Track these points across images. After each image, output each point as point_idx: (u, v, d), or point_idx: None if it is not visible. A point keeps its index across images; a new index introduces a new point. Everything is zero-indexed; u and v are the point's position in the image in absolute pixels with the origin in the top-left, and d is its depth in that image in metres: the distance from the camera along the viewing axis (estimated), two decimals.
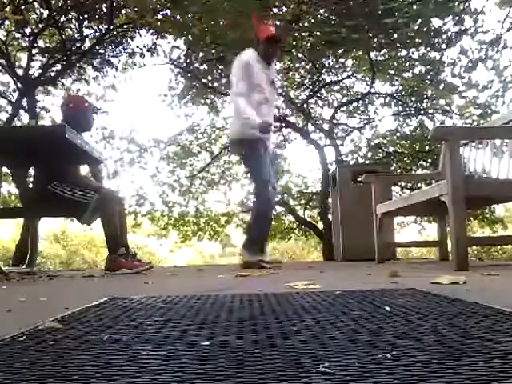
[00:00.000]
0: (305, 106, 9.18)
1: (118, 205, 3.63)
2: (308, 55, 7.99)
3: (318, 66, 8.36)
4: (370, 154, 9.98)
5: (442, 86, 7.88)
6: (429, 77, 7.97)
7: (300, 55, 8.23)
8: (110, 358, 0.68)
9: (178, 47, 8.26)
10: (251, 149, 3.63)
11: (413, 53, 7.72)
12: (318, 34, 6.63)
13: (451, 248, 2.75)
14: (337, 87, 9.75)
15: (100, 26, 7.34)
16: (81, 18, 7.16)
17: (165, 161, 10.74)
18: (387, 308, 1.09)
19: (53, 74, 7.59)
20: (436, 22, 6.69)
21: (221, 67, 8.19)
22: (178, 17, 6.83)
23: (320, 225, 9.44)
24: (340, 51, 7.61)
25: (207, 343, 0.77)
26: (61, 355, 0.71)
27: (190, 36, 6.99)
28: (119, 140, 10.40)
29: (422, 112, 9.21)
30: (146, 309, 1.21)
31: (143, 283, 2.32)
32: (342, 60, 8.67)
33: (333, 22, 6.31)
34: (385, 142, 10.07)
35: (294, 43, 7.25)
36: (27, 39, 7.43)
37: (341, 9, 6.01)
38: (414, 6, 5.65)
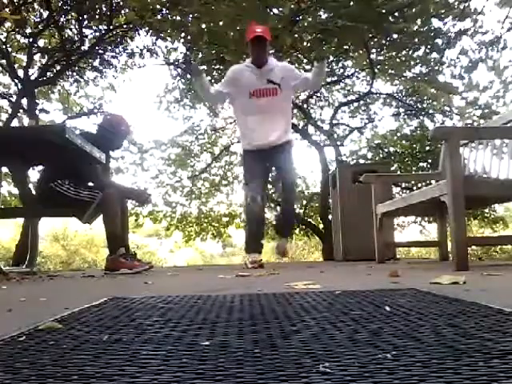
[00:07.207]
0: (305, 106, 9.17)
1: (121, 204, 3.62)
2: (307, 55, 7.97)
3: None
4: (370, 155, 9.98)
5: (442, 87, 7.88)
6: (429, 77, 7.97)
7: (300, 55, 8.22)
8: (109, 358, 0.68)
9: (176, 49, 8.27)
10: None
11: (413, 53, 7.73)
12: (317, 32, 6.61)
13: (451, 248, 2.75)
14: (337, 87, 9.75)
15: (100, 27, 7.34)
16: (81, 18, 7.15)
17: (166, 162, 10.70)
18: (387, 308, 1.09)
19: (52, 74, 7.57)
20: (436, 23, 6.70)
21: (221, 67, 8.18)
22: (178, 17, 6.82)
23: (320, 225, 9.43)
24: (340, 51, 7.59)
25: (207, 343, 0.77)
26: (61, 355, 0.71)
27: (189, 36, 6.98)
28: None
29: (423, 112, 9.21)
30: (145, 309, 1.21)
31: (143, 283, 2.32)
32: (341, 60, 8.66)
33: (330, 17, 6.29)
34: (385, 142, 10.07)
35: (294, 44, 7.24)
36: (27, 39, 7.42)
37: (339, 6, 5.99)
38: (414, 10, 5.65)
